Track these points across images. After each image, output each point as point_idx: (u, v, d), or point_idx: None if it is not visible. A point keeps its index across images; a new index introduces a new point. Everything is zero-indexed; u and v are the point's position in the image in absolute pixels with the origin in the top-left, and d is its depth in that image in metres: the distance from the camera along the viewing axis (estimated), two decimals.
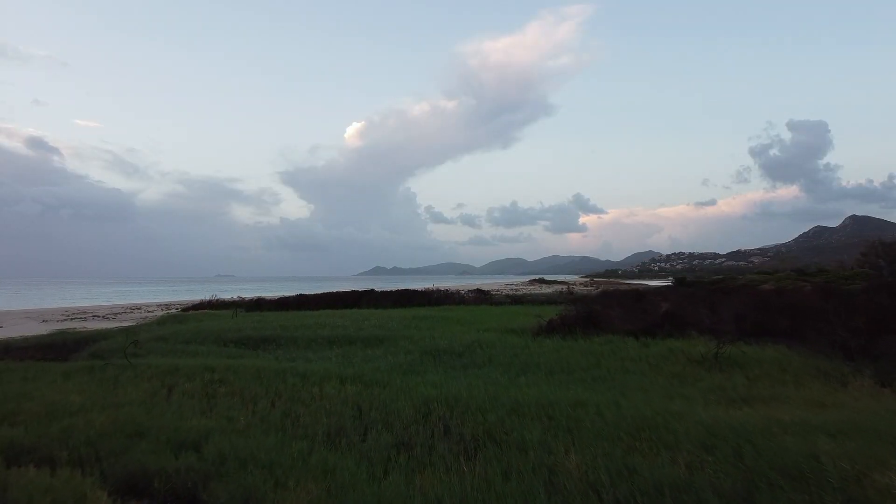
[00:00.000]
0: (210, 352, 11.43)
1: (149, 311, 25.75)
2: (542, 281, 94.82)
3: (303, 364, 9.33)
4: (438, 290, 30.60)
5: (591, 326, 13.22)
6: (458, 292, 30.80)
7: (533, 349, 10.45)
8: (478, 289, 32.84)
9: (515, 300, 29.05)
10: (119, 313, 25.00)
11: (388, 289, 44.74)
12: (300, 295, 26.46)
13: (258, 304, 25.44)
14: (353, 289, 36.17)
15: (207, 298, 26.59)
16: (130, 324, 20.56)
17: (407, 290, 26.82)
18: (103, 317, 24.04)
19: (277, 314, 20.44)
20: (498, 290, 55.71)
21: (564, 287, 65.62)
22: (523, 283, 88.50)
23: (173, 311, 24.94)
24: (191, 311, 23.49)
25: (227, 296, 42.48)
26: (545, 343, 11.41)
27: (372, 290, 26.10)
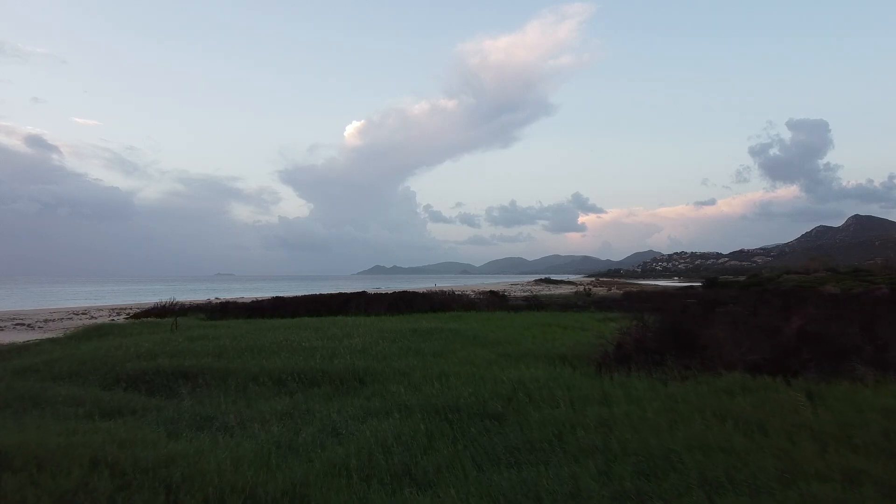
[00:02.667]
0: (79, 399, 6.87)
1: (93, 317, 21.30)
2: (548, 281, 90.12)
3: (197, 444, 4.79)
4: (443, 292, 26.04)
5: (686, 351, 8.66)
6: (465, 294, 26.35)
7: (629, 408, 5.83)
8: (491, 290, 28.05)
9: (534, 304, 24.49)
10: (56, 319, 20.49)
11: (385, 289, 40.11)
12: (276, 298, 21.89)
13: (223, 310, 20.88)
14: (345, 290, 31.75)
15: (165, 301, 22.02)
16: (51, 335, 16.10)
17: (405, 293, 22.25)
18: (29, 325, 19.56)
19: (239, 324, 15.89)
20: (506, 291, 51.00)
21: (581, 287, 60.55)
22: (529, 283, 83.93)
23: (118, 318, 20.35)
24: (137, 319, 18.95)
25: (201, 297, 37.93)
26: (635, 387, 6.82)
27: (363, 293, 21.53)
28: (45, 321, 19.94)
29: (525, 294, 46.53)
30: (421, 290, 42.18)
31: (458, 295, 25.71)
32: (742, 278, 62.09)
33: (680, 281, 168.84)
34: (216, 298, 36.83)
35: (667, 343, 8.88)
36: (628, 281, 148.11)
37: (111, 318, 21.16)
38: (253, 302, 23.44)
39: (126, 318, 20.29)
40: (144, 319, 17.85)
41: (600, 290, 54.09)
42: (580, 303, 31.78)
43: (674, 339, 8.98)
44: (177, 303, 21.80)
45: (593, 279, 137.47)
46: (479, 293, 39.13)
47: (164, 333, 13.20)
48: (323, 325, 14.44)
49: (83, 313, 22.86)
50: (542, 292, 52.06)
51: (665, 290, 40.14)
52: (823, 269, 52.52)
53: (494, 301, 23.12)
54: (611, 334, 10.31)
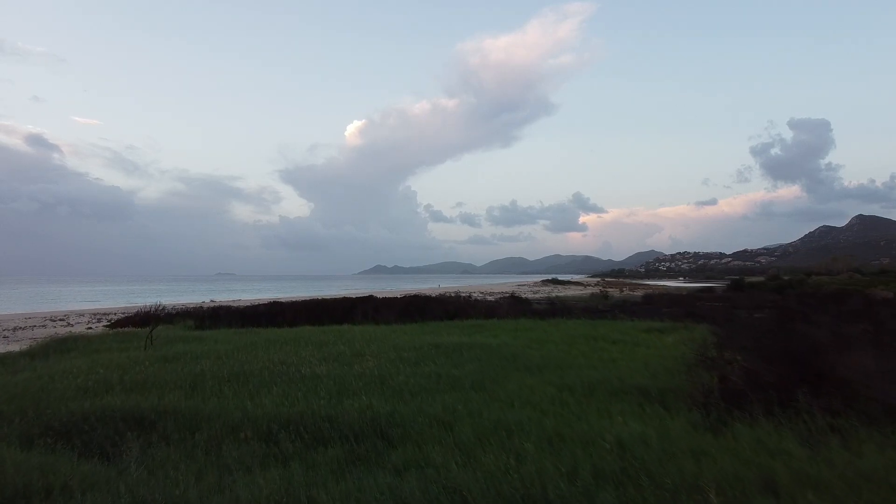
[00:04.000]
0: None
1: (70, 324, 19.06)
2: (555, 282, 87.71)
3: None
4: (456, 296, 23.76)
5: (821, 386, 6.40)
6: (483, 298, 23.99)
7: None
8: (511, 294, 25.75)
9: (559, 309, 22.21)
10: (27, 327, 18.17)
11: (391, 292, 37.63)
12: (273, 303, 19.66)
13: (215, 316, 18.63)
14: (349, 293, 29.60)
15: (149, 306, 19.79)
16: (14, 347, 13.89)
17: (416, 297, 20.03)
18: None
19: (229, 336, 13.63)
20: (516, 293, 48.51)
21: (595, 289, 57.64)
22: (536, 284, 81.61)
23: (96, 326, 18.10)
24: (114, 329, 16.71)
25: (196, 300, 35.76)
26: (797, 456, 4.57)
27: (371, 297, 19.32)
28: (15, 329, 17.65)
29: (539, 296, 44.28)
30: (431, 293, 39.82)
31: (475, 300, 23.42)
32: (760, 279, 59.70)
33: (685, 281, 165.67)
34: (211, 301, 34.65)
35: (790, 374, 6.63)
36: (634, 281, 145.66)
37: (89, 325, 18.96)
38: (248, 307, 21.20)
39: (105, 326, 18.08)
40: (121, 330, 15.61)
41: (613, 292, 51.71)
42: (601, 307, 29.57)
43: (798, 368, 6.70)
44: (161, 308, 19.56)
45: (600, 280, 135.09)
46: (499, 297, 35.92)
47: (135, 351, 10.97)
48: (327, 339, 12.18)
49: (61, 319, 20.65)
50: (554, 294, 49.80)
51: (688, 292, 37.55)
52: (846, 270, 50.14)
53: (515, 305, 20.84)
54: (680, 351, 8.11)
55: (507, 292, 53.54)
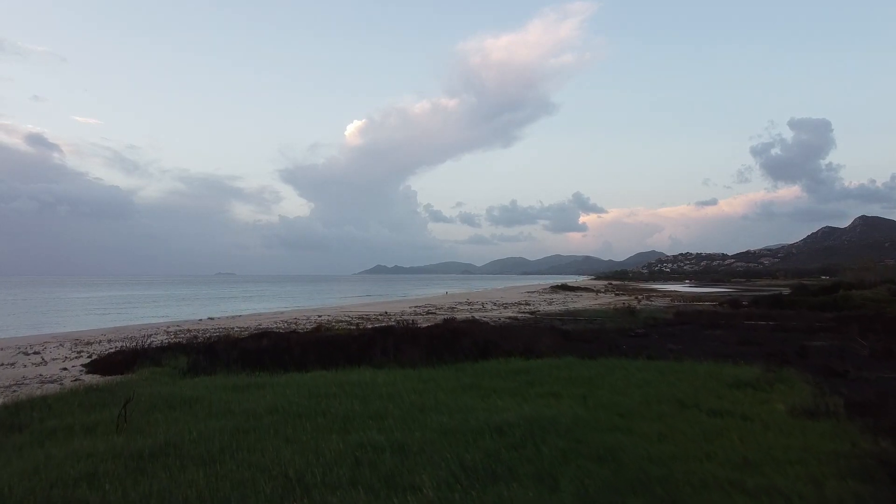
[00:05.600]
0: None
1: (43, 361, 16.22)
2: (565, 287, 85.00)
3: None
4: (484, 323, 21.22)
5: None
6: (501, 318, 21.33)
7: None
8: (531, 311, 23.12)
9: (599, 336, 19.63)
10: None
11: (400, 302, 34.79)
12: (279, 338, 17.11)
13: (211, 353, 16.04)
14: (348, 292, 27.13)
15: (136, 342, 17.21)
16: None
17: (443, 328, 17.49)
18: None
19: (224, 397, 11.03)
20: (528, 302, 45.55)
21: (611, 297, 54.33)
22: (545, 291, 78.94)
23: (74, 364, 15.46)
24: (88, 379, 14.09)
25: (190, 316, 32.97)
26: None
27: (390, 330, 16.78)
28: None
29: (555, 308, 41.73)
30: (442, 304, 37.26)
31: (509, 326, 20.79)
32: (782, 288, 57.22)
33: (692, 284, 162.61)
34: (209, 319, 32.09)
35: None
36: (642, 286, 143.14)
37: (65, 363, 16.39)
38: (251, 336, 18.67)
39: (83, 365, 15.54)
40: (97, 384, 12.99)
41: (630, 301, 48.95)
42: (635, 329, 27.04)
43: None
44: (149, 343, 16.99)
45: (608, 283, 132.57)
46: (504, 306, 30.85)
47: (103, 435, 8.40)
48: (351, 411, 9.60)
49: (36, 352, 18.08)
50: (571, 305, 47.26)
51: (714, 301, 34.25)
52: (880, 280, 47.50)
53: (558, 339, 18.22)
54: (830, 446, 5.55)
55: (521, 302, 51.02)
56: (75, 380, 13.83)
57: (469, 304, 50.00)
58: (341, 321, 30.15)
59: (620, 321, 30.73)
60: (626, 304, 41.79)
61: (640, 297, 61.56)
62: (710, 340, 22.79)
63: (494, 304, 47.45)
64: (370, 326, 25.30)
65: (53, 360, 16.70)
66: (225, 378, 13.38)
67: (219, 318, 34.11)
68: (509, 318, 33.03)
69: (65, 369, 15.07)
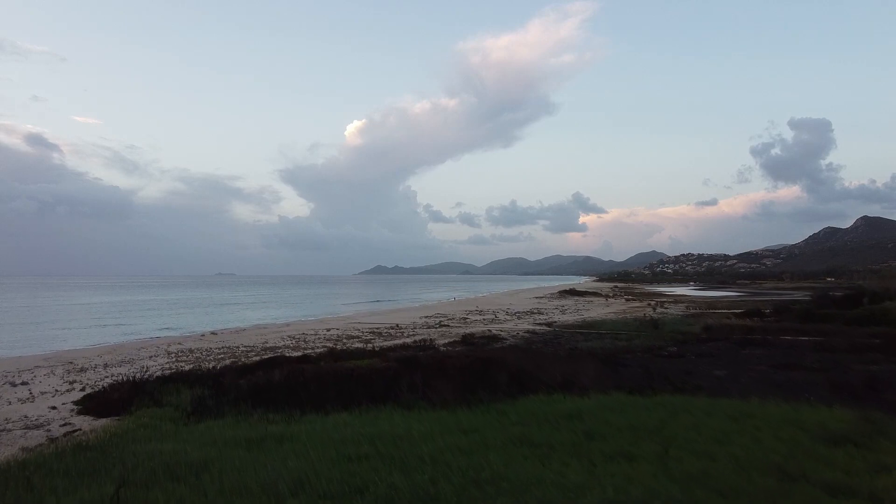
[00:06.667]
0: None
1: (30, 395, 14.56)
2: (573, 292, 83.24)
3: None
4: (515, 347, 19.60)
5: None
6: (533, 333, 19.14)
7: None
8: (593, 355, 21.04)
9: (644, 365, 17.97)
10: None
11: (408, 311, 32.61)
12: (292, 371, 15.49)
13: (216, 387, 14.41)
14: (350, 293, 25.75)
15: (133, 365, 15.52)
16: None
17: (474, 357, 15.88)
18: None
19: (234, 457, 9.41)
20: (540, 310, 43.39)
21: (622, 302, 50.91)
22: (554, 296, 77.24)
23: (59, 408, 13.79)
24: (84, 419, 12.40)
25: (191, 330, 31.06)
26: None
27: (416, 361, 15.19)
28: None
29: (568, 318, 40.00)
30: (454, 314, 35.44)
31: (530, 343, 19.09)
32: (800, 299, 55.70)
33: (697, 286, 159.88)
34: (212, 334, 30.43)
35: None
36: (646, 288, 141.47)
37: (55, 397, 14.75)
38: (260, 363, 17.08)
39: (75, 403, 13.91)
40: (88, 435, 11.33)
41: (644, 308, 47.10)
42: (667, 348, 25.44)
43: None
44: (147, 377, 15.34)
45: (615, 287, 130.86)
46: (518, 316, 26.41)
47: None
48: (392, 493, 7.95)
49: (23, 382, 16.45)
50: (586, 314, 45.59)
51: (739, 309, 32.13)
52: None
53: (596, 366, 16.55)
54: None
55: (533, 311, 49.30)
56: (64, 423, 12.18)
57: (480, 312, 48.40)
58: (352, 337, 28.50)
59: (646, 336, 29.12)
60: (644, 314, 40.09)
61: (652, 302, 59.88)
62: (752, 362, 21.19)
63: (507, 314, 45.82)
64: (385, 346, 23.68)
65: (42, 393, 15.07)
66: (235, 424, 11.72)
67: (222, 331, 32.47)
68: (527, 331, 31.42)
69: (54, 408, 13.43)
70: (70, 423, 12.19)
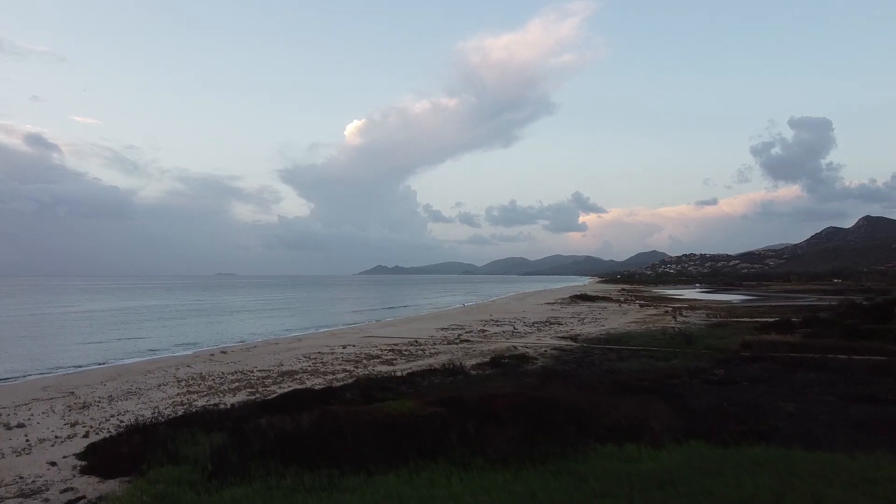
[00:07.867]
0: None
1: (27, 442, 12.77)
2: (584, 297, 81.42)
3: None
4: (576, 388, 17.90)
5: None
6: (561, 351, 17.17)
7: None
8: (645, 390, 19.14)
9: (690, 392, 16.26)
10: None
11: (422, 320, 29.84)
12: (322, 412, 13.77)
13: (240, 436, 12.68)
14: (350, 295, 24.32)
15: (140, 397, 13.76)
16: None
17: (530, 398, 14.19)
18: None
19: None
20: (556, 320, 41.35)
21: (636, 308, 47.53)
22: (565, 303, 75.48)
23: (59, 464, 12.04)
24: (88, 479, 10.69)
25: (198, 348, 29.16)
26: None
27: (462, 403, 13.50)
28: None
29: (590, 329, 38.28)
30: (494, 347, 33.60)
31: (571, 366, 17.29)
32: (824, 308, 53.87)
33: (703, 288, 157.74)
34: (222, 353, 28.66)
35: None
36: (652, 290, 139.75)
37: (55, 446, 13.00)
38: (285, 402, 15.37)
39: (77, 457, 12.20)
40: (95, 496, 9.60)
41: (663, 316, 45.30)
42: (716, 369, 23.70)
43: None
44: (159, 420, 13.61)
45: (622, 290, 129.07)
46: (539, 327, 21.64)
47: None
48: None
49: (18, 425, 14.71)
50: (607, 325, 43.84)
51: (760, 316, 29.90)
52: None
53: (660, 407, 14.82)
54: None
55: (550, 320, 47.45)
56: (66, 489, 10.46)
57: (496, 322, 46.71)
58: (372, 357, 26.77)
59: (682, 354, 27.32)
60: (667, 324, 38.37)
61: (669, 309, 58.09)
62: (814, 390, 19.39)
63: (525, 324, 44.09)
64: (411, 368, 21.94)
65: (40, 441, 13.33)
66: (266, 494, 9.99)
67: (231, 348, 30.73)
68: (553, 346, 29.71)
69: (54, 464, 11.71)
70: (72, 489, 10.45)
